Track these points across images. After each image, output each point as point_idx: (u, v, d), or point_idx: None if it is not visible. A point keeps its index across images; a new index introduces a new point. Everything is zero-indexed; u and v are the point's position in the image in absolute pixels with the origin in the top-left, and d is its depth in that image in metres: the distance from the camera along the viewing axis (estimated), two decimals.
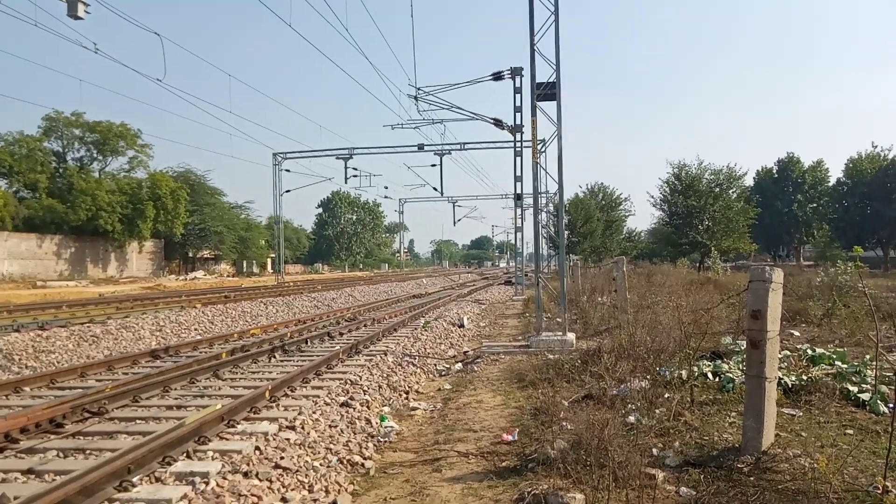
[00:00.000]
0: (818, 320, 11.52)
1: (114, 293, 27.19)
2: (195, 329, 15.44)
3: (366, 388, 8.10)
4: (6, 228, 39.91)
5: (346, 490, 4.72)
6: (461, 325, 15.73)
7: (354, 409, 7.04)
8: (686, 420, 5.42)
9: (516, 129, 23.20)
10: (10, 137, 44.14)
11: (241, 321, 17.49)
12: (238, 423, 6.14)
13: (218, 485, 4.55)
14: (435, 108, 24.51)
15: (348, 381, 8.39)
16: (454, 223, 74.41)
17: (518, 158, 24.82)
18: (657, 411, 5.67)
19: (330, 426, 6.27)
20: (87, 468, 4.47)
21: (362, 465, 5.26)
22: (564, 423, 5.45)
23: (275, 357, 10.52)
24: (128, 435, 5.90)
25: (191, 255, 59.83)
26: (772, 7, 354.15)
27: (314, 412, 6.71)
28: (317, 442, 5.72)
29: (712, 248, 35.96)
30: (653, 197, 41.70)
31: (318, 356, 10.20)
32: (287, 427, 6.08)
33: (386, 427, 6.42)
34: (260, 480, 4.69)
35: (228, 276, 56.87)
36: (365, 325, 15.12)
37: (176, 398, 7.52)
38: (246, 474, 4.77)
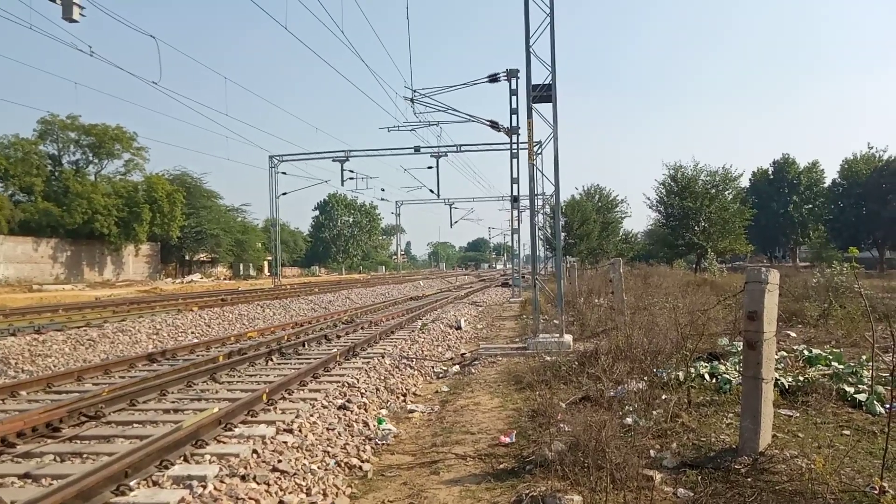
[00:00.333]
0: (814, 321, 11.55)
1: (110, 297, 27.13)
2: (192, 332, 15.40)
3: (363, 391, 8.10)
4: (2, 232, 39.80)
5: (343, 493, 4.72)
6: (458, 328, 15.73)
7: (352, 411, 7.04)
8: (683, 421, 5.42)
9: (512, 131, 23.22)
10: (5, 141, 44.18)
11: (238, 324, 17.45)
12: (235, 427, 6.12)
13: (215, 488, 4.54)
14: (431, 111, 24.48)
15: (345, 384, 8.38)
16: (451, 225, 74.87)
17: (514, 160, 24.87)
18: (654, 413, 5.67)
19: (327, 429, 6.26)
20: (84, 472, 4.46)
21: (360, 467, 5.27)
22: (562, 425, 5.47)
23: (272, 360, 10.50)
24: (125, 439, 5.89)
25: (187, 258, 59.75)
26: (767, 8, 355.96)
27: (311, 415, 6.70)
28: (314, 445, 5.71)
29: (709, 250, 36.04)
30: (649, 198, 41.55)
31: (315, 359, 10.19)
32: (284, 430, 6.06)
33: (383, 430, 6.42)
34: (257, 484, 4.68)
35: (225, 279, 56.82)
36: (362, 328, 15.10)
37: (173, 402, 7.51)
38: (243, 478, 4.76)
